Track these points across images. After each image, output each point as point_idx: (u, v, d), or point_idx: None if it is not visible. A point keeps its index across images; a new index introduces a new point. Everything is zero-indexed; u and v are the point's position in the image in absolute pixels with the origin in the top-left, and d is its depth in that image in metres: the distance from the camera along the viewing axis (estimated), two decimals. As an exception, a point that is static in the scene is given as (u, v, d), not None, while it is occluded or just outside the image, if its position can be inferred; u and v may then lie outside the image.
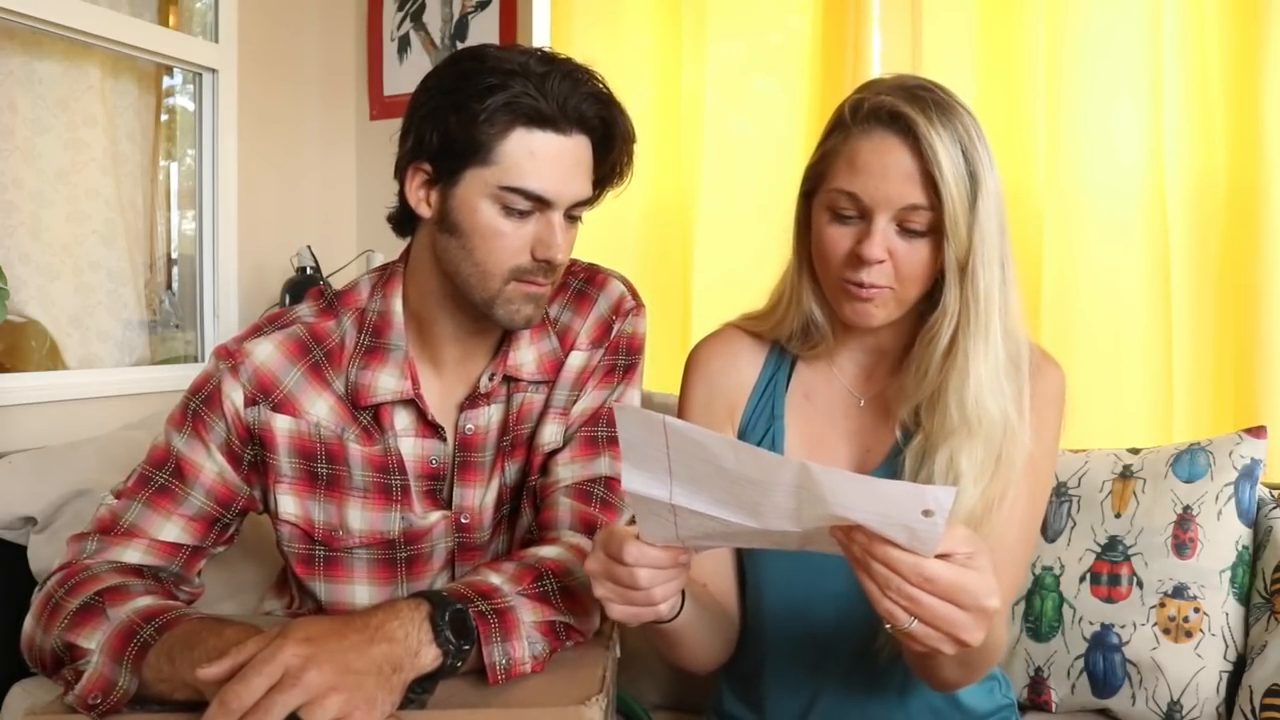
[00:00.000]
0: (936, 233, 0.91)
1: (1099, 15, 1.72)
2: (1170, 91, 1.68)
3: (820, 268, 0.98)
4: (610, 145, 1.01)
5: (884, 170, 0.90)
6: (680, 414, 1.08)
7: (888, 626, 0.70)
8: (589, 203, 1.02)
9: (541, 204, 0.96)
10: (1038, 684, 1.38)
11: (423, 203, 1.00)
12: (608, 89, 0.99)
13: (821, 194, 0.97)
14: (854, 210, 0.93)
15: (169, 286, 2.30)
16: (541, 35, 2.26)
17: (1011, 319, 0.94)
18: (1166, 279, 1.68)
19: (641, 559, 0.77)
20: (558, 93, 0.93)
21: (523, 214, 0.96)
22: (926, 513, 0.63)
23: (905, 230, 0.92)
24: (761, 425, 1.05)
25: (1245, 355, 1.62)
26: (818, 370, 1.07)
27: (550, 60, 0.96)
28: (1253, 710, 1.22)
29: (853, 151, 0.93)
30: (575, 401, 1.07)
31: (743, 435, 1.06)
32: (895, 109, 0.90)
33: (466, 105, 0.93)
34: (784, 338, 1.06)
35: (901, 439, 0.99)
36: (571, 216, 1.00)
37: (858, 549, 0.69)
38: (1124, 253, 1.72)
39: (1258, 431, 1.39)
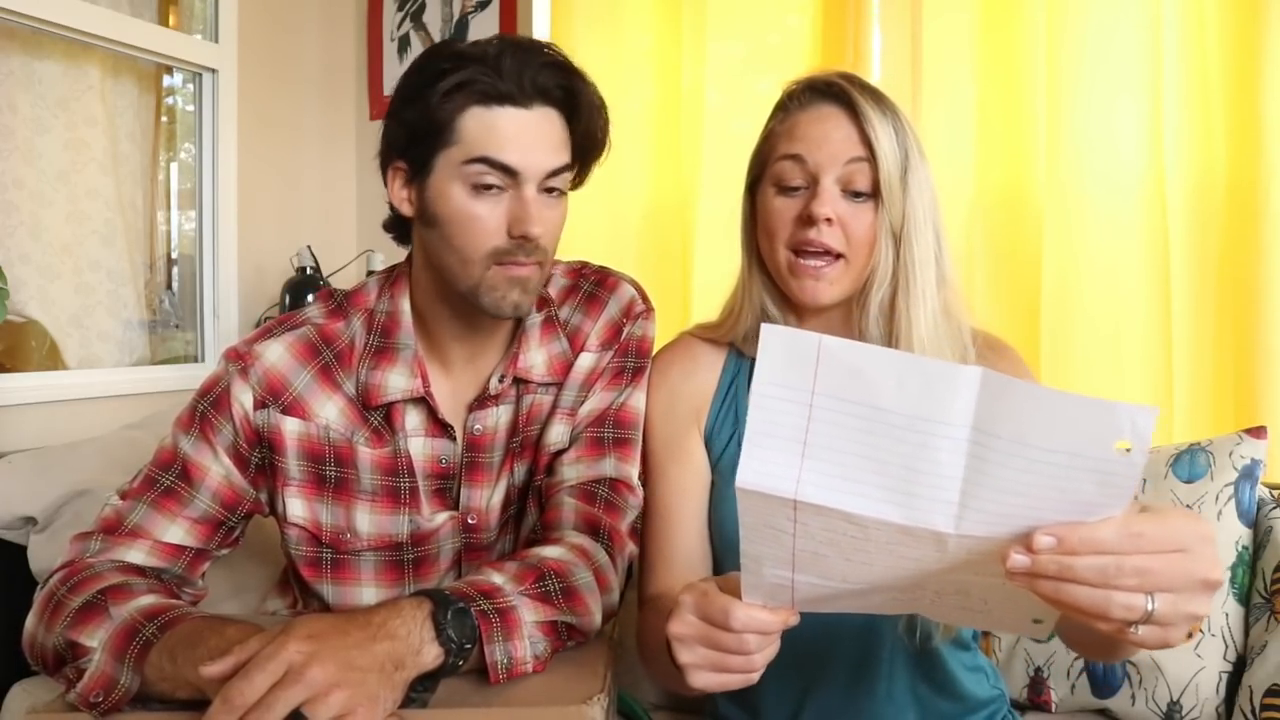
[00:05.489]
0: (877, 196, 0.97)
1: (1099, 15, 1.72)
2: (1170, 91, 1.68)
3: (769, 246, 1.01)
4: (578, 114, 0.99)
5: (825, 134, 0.97)
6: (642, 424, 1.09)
7: (1132, 629, 0.57)
8: (565, 172, 0.99)
9: (509, 175, 0.95)
10: (1038, 684, 1.38)
11: (404, 201, 1.01)
12: (565, 58, 0.98)
13: (766, 173, 1.02)
14: (800, 178, 0.98)
15: (169, 286, 2.30)
16: (541, 35, 2.26)
17: (949, 293, 1.00)
18: (1167, 279, 1.68)
19: (751, 624, 0.69)
20: (512, 69, 0.93)
21: (493, 191, 0.95)
22: (1122, 446, 0.52)
23: (849, 193, 0.97)
24: (727, 429, 1.07)
25: (1245, 355, 1.62)
26: None
27: (506, 42, 0.96)
28: (1253, 710, 1.22)
29: (793, 124, 1.00)
30: (583, 402, 1.07)
31: (709, 439, 1.08)
32: (830, 82, 0.99)
33: (422, 93, 0.95)
34: (739, 339, 1.08)
35: None
36: (550, 190, 0.98)
37: (1049, 561, 0.56)
38: (1124, 252, 1.72)
39: (1258, 431, 1.39)
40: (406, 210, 1.01)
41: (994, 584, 0.63)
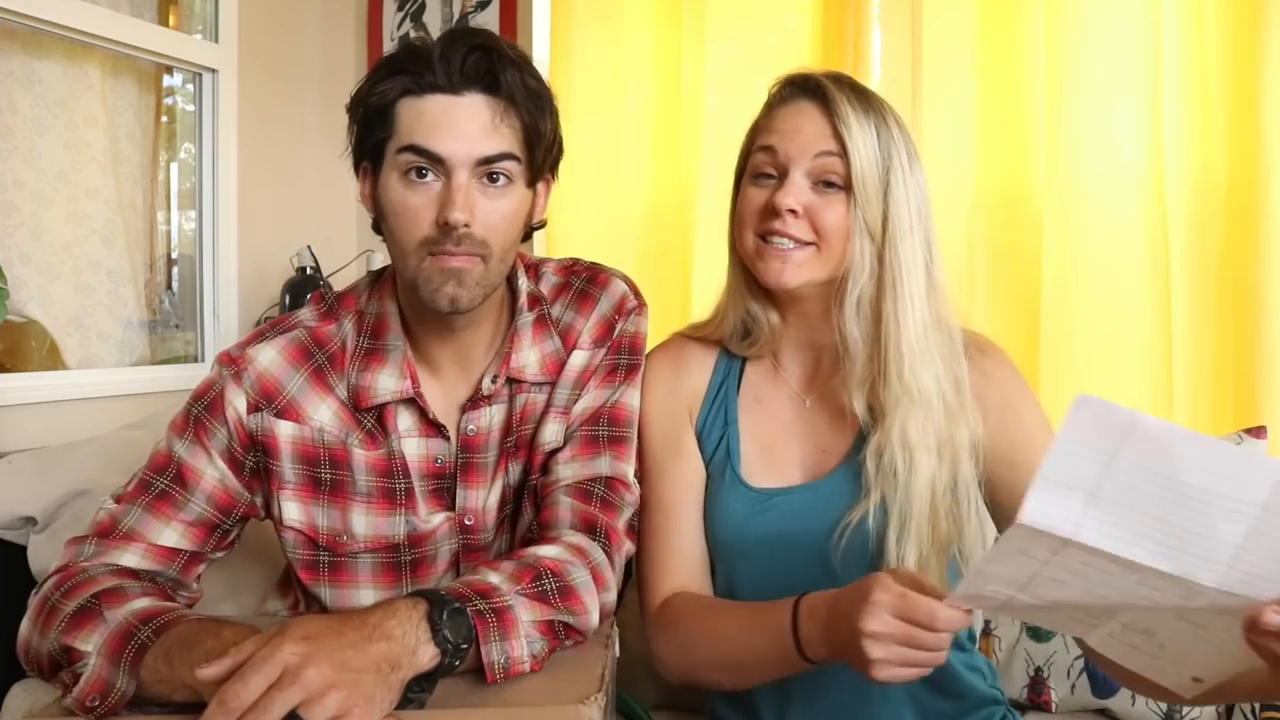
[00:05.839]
0: (850, 190, 0.97)
1: (1099, 15, 1.72)
2: (1170, 91, 1.68)
3: (738, 234, 1.02)
4: (514, 101, 0.96)
5: (797, 127, 0.98)
6: (639, 423, 1.09)
7: None
8: (506, 161, 0.96)
9: (437, 163, 0.94)
10: (1038, 684, 1.38)
11: (367, 199, 1.02)
12: (497, 44, 0.97)
13: (746, 166, 1.03)
14: (772, 169, 0.99)
15: (169, 286, 2.30)
16: (541, 35, 2.26)
17: (940, 300, 0.99)
18: (1167, 279, 1.68)
19: (953, 624, 0.75)
20: (441, 56, 0.93)
21: (424, 180, 0.94)
22: None
23: (821, 185, 0.97)
24: (717, 429, 1.08)
25: (1245, 355, 1.62)
26: (764, 373, 1.09)
27: (447, 32, 0.97)
28: (1253, 710, 1.22)
29: (771, 117, 1.02)
30: (576, 400, 1.07)
31: (700, 438, 1.08)
32: (809, 77, 1.00)
33: (363, 89, 0.98)
34: (726, 336, 1.09)
35: (863, 434, 1.01)
36: (492, 178, 0.96)
37: None
38: (1124, 252, 1.72)
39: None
40: (369, 208, 1.02)
41: (1189, 630, 0.66)
